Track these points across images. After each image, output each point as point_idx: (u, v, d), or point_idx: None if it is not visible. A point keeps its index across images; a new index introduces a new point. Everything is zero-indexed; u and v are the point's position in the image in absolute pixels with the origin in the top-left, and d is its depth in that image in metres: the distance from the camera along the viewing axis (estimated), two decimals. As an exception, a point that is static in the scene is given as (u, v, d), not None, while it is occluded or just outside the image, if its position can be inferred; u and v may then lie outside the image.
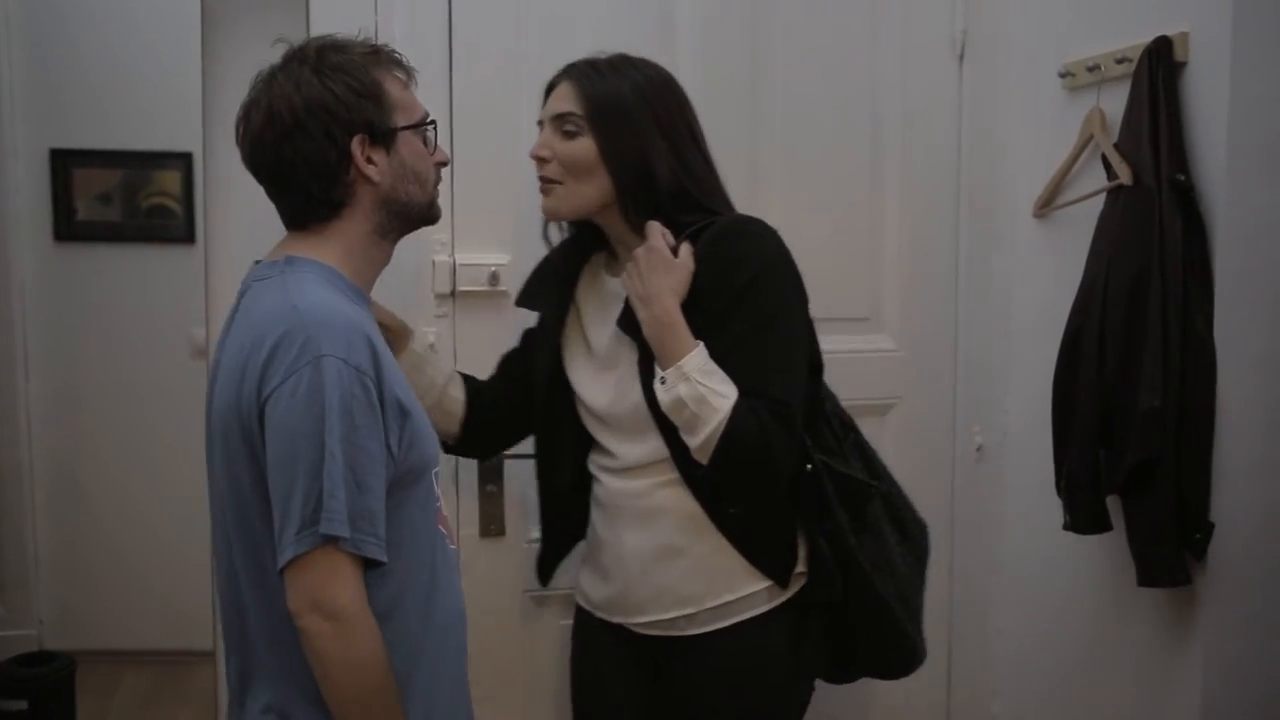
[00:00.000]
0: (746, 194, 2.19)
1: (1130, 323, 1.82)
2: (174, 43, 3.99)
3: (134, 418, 3.92)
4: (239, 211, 1.49)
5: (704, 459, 1.54)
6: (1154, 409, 1.76)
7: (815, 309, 2.28)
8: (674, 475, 1.63)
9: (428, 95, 1.99)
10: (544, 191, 1.66)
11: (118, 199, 4.08)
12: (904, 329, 2.34)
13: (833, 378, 2.28)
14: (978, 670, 2.39)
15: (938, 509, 2.39)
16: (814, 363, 1.70)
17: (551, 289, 1.77)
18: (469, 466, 2.03)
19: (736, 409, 1.51)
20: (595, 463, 1.75)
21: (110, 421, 3.97)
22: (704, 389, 1.51)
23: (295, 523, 1.24)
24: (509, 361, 1.87)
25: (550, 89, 1.67)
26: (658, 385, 1.56)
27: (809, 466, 1.62)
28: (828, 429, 1.72)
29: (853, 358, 2.30)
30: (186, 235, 4.09)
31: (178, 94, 3.96)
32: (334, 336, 1.28)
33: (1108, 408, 1.86)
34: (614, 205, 1.63)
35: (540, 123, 1.67)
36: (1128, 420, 1.81)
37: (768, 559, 1.65)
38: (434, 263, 2.01)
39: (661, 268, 1.56)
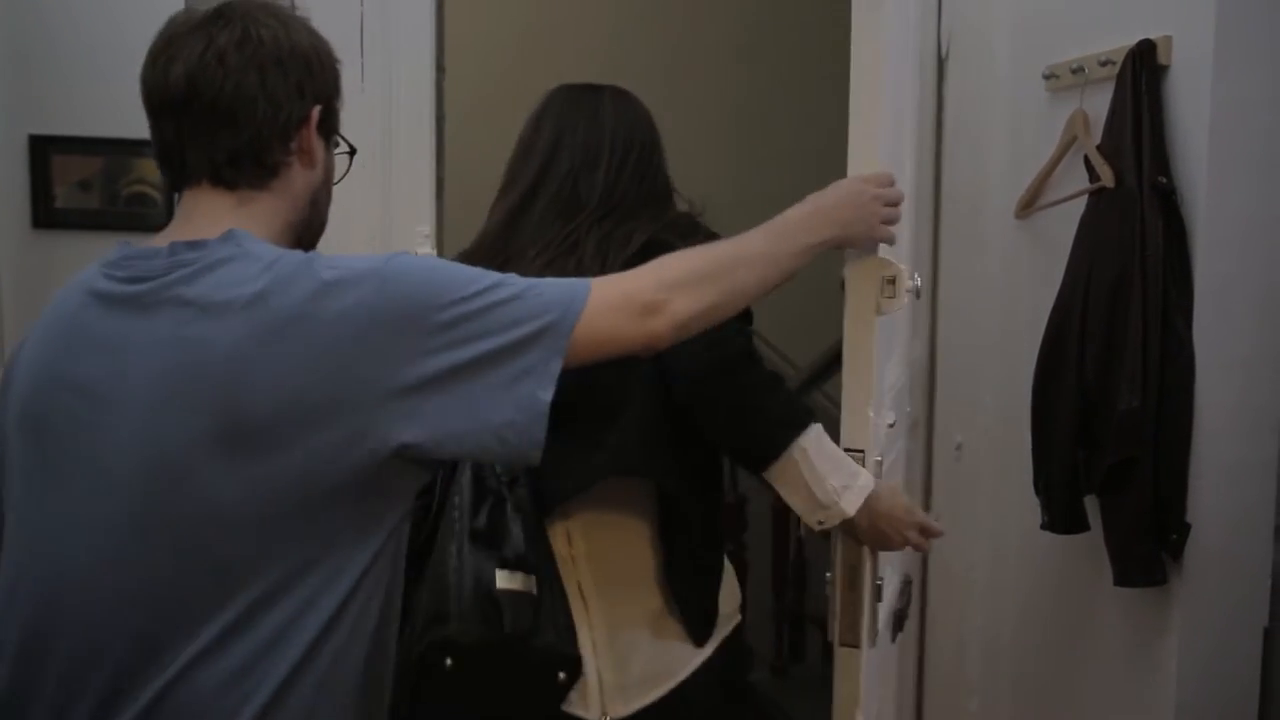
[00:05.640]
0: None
1: (1111, 324, 1.83)
2: (157, 29, 3.98)
3: (111, 407, 3.89)
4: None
5: None
6: (1133, 409, 1.77)
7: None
8: None
9: (414, 90, 2.00)
10: None
11: (97, 186, 4.03)
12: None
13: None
14: (954, 668, 2.40)
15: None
16: None
17: None
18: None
19: None
20: None
21: (87, 411, 3.94)
22: None
23: (535, 365, 1.06)
24: None
25: None
26: None
27: None
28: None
29: (835, 355, 2.31)
30: (167, 223, 4.05)
31: (159, 82, 3.95)
32: (364, 256, 1.12)
33: (1087, 408, 1.87)
34: None
35: None
36: (1107, 420, 1.82)
37: None
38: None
39: None
